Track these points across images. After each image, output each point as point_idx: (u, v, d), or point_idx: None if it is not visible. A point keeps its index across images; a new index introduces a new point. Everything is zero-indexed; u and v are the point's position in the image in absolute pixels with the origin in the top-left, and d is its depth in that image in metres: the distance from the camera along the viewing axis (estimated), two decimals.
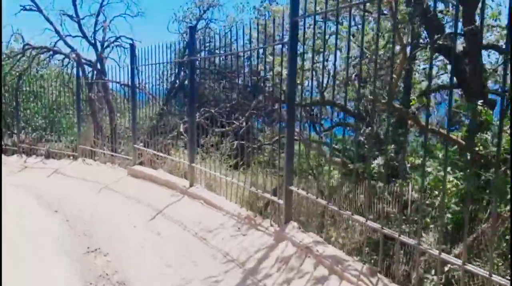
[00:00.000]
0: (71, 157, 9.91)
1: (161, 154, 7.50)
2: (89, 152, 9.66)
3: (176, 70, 12.09)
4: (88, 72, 11.47)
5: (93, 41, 12.29)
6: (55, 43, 12.16)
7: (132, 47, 7.71)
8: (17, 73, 10.70)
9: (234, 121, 8.86)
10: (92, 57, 12.30)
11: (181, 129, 10.65)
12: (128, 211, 5.44)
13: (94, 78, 11.26)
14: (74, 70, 12.43)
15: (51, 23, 11.65)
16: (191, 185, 5.76)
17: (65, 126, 13.41)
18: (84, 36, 12.21)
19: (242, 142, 6.05)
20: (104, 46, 12.29)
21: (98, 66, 11.87)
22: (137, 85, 7.92)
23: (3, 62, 12.43)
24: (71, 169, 8.77)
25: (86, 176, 7.96)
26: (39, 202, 6.14)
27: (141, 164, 7.93)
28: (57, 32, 11.74)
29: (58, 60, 13.36)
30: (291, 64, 3.82)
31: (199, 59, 6.21)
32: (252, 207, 4.94)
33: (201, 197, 5.31)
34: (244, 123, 7.16)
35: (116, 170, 8.13)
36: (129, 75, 7.88)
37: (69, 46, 11.89)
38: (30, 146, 10.51)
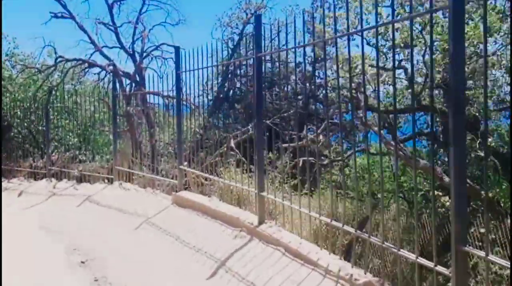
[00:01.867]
0: (106, 180, 8.56)
1: (209, 176, 6.02)
2: (126, 174, 8.29)
3: (220, 79, 10.74)
4: (126, 85, 10.22)
5: (131, 52, 11.07)
6: (91, 55, 11.05)
7: (177, 50, 6.35)
8: (48, 88, 9.52)
9: (295, 134, 7.45)
10: (130, 69, 11.11)
11: (232, 144, 9.18)
12: (176, 262, 3.91)
13: (132, 91, 9.98)
14: (111, 84, 11.35)
15: (85, 32, 10.55)
16: (261, 222, 4.17)
17: (101, 144, 12.24)
18: (122, 47, 11.05)
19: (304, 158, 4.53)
20: (143, 56, 11.04)
21: (137, 77, 10.61)
22: (183, 95, 6.49)
23: (34, 77, 11.42)
24: (105, 195, 7.41)
25: (123, 204, 6.56)
26: (61, 246, 4.71)
27: (185, 186, 6.45)
28: (92, 42, 10.62)
29: (94, 73, 12.26)
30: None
31: (265, 54, 4.59)
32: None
33: (281, 243, 3.70)
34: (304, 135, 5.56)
35: (158, 197, 6.67)
36: (174, 83, 6.51)
37: (106, 57, 10.73)
38: (60, 168, 9.25)
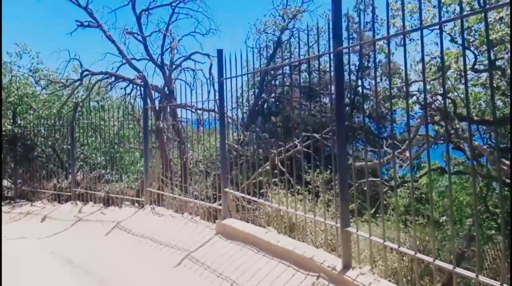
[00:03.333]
0: (136, 203, 7.71)
1: (255, 199, 5.11)
2: (157, 196, 7.43)
3: (257, 90, 9.89)
4: (155, 98, 9.44)
5: (160, 63, 10.31)
6: (117, 68, 10.32)
7: (220, 54, 5.48)
8: (74, 104, 8.78)
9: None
10: (158, 82, 10.36)
11: (277, 162, 8.24)
12: None
13: (161, 104, 9.18)
14: (138, 98, 10.58)
15: (113, 42, 9.81)
16: (346, 266, 3.22)
17: (127, 163, 11.46)
18: (150, 58, 10.28)
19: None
20: (173, 67, 10.26)
21: (166, 90, 9.82)
22: (227, 105, 5.62)
23: (58, 92, 10.75)
24: (136, 222, 6.55)
25: (158, 234, 5.71)
26: None
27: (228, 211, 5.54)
28: (120, 52, 9.86)
29: (121, 88, 11.55)
30: None
31: (349, 47, 3.57)
32: None
33: None
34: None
35: (199, 226, 5.77)
36: (210, 92, 5.67)
37: (135, 68, 9.98)
38: (86, 190, 8.45)
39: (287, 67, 7.66)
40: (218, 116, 5.80)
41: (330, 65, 3.46)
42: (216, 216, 6.47)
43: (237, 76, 5.51)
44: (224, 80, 5.46)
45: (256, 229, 4.65)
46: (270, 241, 4.21)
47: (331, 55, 3.42)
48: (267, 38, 11.22)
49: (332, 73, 3.41)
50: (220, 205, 6.17)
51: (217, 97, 5.70)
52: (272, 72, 11.10)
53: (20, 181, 10.04)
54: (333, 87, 3.38)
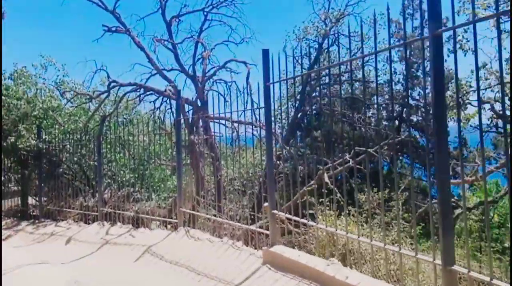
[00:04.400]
0: (168, 225, 7.11)
1: (306, 221, 4.45)
2: (191, 216, 6.81)
3: (297, 103, 9.27)
4: (187, 111, 8.91)
5: (191, 74, 9.80)
6: (147, 79, 9.85)
7: (266, 54, 4.86)
8: (101, 117, 8.30)
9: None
10: (188, 94, 9.86)
11: (326, 180, 7.54)
12: None
13: (194, 116, 8.63)
14: (168, 113, 10.07)
15: (142, 49, 9.33)
16: None
17: (157, 180, 10.92)
18: (182, 68, 9.77)
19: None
20: (206, 78, 9.73)
21: (198, 103, 9.29)
22: (272, 114, 4.98)
23: (84, 105, 10.35)
24: (169, 246, 5.93)
25: (195, 261, 5.08)
26: None
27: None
28: (149, 60, 9.36)
29: (150, 102, 11.09)
30: None
31: (453, 28, 2.81)
32: None
33: None
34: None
35: (242, 253, 5.08)
36: (255, 102, 5.08)
37: (165, 78, 9.48)
38: (114, 210, 7.91)
39: (329, 75, 7.03)
40: (264, 126, 5.18)
41: (423, 53, 2.79)
42: (255, 239, 5.81)
43: (287, 79, 4.91)
44: (271, 85, 4.83)
45: (316, 260, 3.93)
46: (336, 276, 3.49)
47: (424, 41, 2.75)
48: (307, 45, 10.63)
49: (424, 63, 2.72)
50: (262, 227, 5.52)
51: (259, 106, 5.12)
52: (313, 82, 10.46)
53: (45, 199, 9.62)
54: (428, 80, 2.70)
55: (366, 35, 10.19)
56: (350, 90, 11.04)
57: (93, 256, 6.22)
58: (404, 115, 14.89)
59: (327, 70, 5.25)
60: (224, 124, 8.39)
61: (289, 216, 4.77)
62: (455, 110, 8.44)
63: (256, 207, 8.20)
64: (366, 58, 5.83)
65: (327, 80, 9.69)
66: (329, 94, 9.74)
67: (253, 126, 6.90)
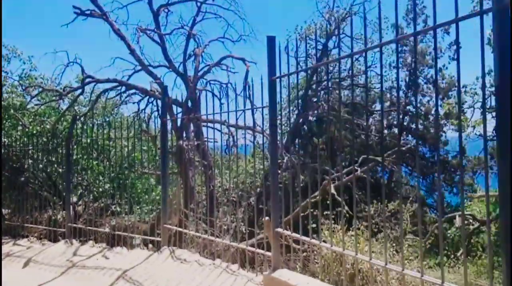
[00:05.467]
0: (150, 244, 5.96)
1: (309, 239, 3.48)
2: (177, 232, 5.69)
3: (299, 105, 8.26)
4: (176, 114, 7.83)
5: (182, 72, 8.71)
6: (129, 76, 8.73)
7: (272, 41, 3.92)
8: (73, 116, 7.07)
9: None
10: (178, 95, 8.76)
11: (332, 191, 6.49)
12: None
13: (184, 117, 7.54)
14: (154, 116, 8.93)
15: (122, 38, 8.18)
16: None
17: (140, 191, 9.76)
18: (170, 66, 8.68)
19: None
20: (198, 76, 8.66)
21: (189, 104, 8.22)
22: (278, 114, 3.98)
23: (54, 104, 9.11)
24: (150, 271, 4.82)
25: None
26: None
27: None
28: (131, 52, 8.20)
29: (133, 103, 9.97)
30: None
31: None
32: None
33: None
34: None
35: (238, 279, 4.05)
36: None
37: (150, 74, 8.37)
38: (85, 227, 6.74)
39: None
40: (265, 131, 4.25)
41: (481, 31, 2.22)
42: (250, 258, 4.75)
43: (298, 72, 3.95)
44: (278, 80, 3.87)
45: None
46: None
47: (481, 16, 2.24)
48: (310, 46, 9.67)
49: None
50: (261, 244, 4.46)
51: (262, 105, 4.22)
52: (315, 86, 9.51)
53: (8, 211, 8.37)
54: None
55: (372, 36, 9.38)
56: (351, 96, 10.19)
57: (55, 283, 5.04)
58: (405, 123, 14.10)
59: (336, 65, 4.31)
60: (220, 130, 7.35)
61: (296, 235, 3.73)
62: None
63: (250, 221, 7.15)
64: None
65: (329, 85, 8.85)
66: (338, 88, 8.90)
67: (253, 131, 5.88)
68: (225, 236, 4.98)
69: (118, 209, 7.91)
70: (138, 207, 8.97)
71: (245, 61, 8.61)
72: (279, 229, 3.84)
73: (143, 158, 8.43)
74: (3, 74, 9.40)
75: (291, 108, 9.37)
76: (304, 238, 3.58)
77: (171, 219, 6.09)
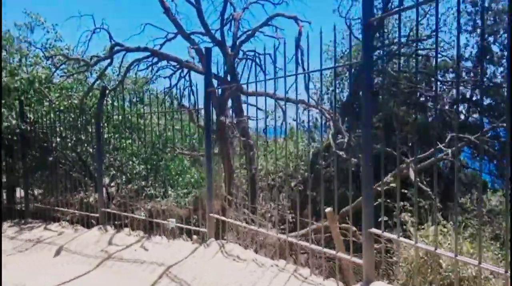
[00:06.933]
0: (193, 236, 5.41)
1: (410, 241, 2.81)
2: (220, 222, 5.11)
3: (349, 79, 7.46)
4: (217, 87, 7.20)
5: (220, 40, 8.01)
6: (161, 45, 8.09)
7: None
8: (102, 89, 6.44)
9: None
10: (214, 69, 8.05)
11: (411, 175, 5.81)
12: None
13: (223, 91, 6.87)
14: (187, 91, 8.30)
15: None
16: None
17: (174, 173, 9.25)
18: (207, 33, 7.97)
19: None
20: (238, 44, 7.96)
21: (228, 77, 7.55)
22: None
23: (80, 76, 8.54)
24: (198, 269, 4.29)
25: None
26: None
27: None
28: (166, 11, 7.45)
29: (164, 77, 9.37)
30: None
31: None
32: None
33: None
34: None
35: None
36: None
37: (188, 39, 7.69)
38: (120, 211, 6.26)
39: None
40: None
41: None
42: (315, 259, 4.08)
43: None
44: (374, 23, 3.09)
45: None
46: None
47: None
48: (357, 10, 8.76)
49: None
50: (319, 240, 3.80)
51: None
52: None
53: (32, 193, 7.97)
54: None
55: None
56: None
57: (89, 278, 4.56)
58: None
59: None
60: (261, 108, 6.66)
61: (389, 235, 3.04)
62: None
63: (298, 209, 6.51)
64: None
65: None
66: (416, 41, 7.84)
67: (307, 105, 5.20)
68: (277, 230, 4.35)
69: (153, 191, 7.41)
70: (173, 190, 8.46)
71: (297, 20, 7.75)
72: (374, 230, 3.13)
73: (177, 137, 7.85)
74: (25, 45, 8.90)
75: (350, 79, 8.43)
76: (405, 240, 2.91)
77: (215, 205, 5.53)
